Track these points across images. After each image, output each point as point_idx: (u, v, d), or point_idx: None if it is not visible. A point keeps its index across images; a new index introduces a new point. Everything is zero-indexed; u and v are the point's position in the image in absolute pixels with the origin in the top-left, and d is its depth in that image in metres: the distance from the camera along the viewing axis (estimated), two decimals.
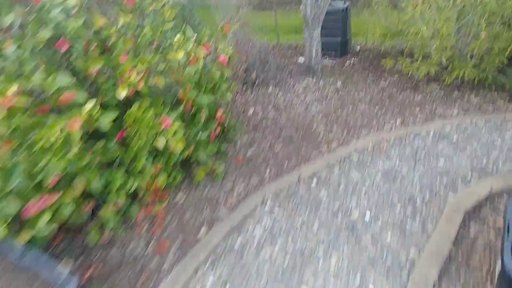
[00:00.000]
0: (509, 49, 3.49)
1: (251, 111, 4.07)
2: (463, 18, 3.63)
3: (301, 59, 5.76)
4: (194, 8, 8.23)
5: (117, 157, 2.25)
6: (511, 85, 3.65)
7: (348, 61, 5.57)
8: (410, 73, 4.18)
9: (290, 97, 4.37)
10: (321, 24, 4.53)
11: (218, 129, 3.04)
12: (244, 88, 4.71)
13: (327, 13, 5.48)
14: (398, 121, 3.56)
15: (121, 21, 2.39)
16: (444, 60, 3.75)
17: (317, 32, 4.52)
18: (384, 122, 3.56)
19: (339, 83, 4.69)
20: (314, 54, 4.65)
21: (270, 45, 7.07)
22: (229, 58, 2.87)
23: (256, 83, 4.78)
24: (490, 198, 2.32)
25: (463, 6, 3.55)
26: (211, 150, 2.76)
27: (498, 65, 3.65)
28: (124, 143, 2.31)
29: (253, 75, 4.83)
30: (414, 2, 3.78)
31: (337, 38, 5.65)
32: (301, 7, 4.23)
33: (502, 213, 2.18)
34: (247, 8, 10.60)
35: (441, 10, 3.53)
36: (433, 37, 3.73)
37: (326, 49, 5.77)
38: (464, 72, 3.73)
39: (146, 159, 2.26)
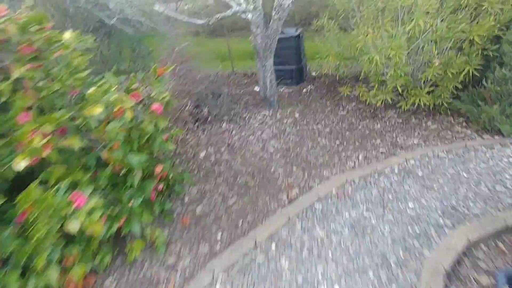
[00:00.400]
0: (462, 75, 3.45)
1: (202, 154, 3.64)
2: (415, 45, 3.56)
3: (257, 88, 5.50)
4: (142, 38, 7.79)
5: (11, 253, 1.71)
6: (466, 110, 3.60)
7: (305, 89, 5.40)
8: (367, 101, 4.04)
9: (246, 134, 4.02)
10: (273, 53, 4.30)
11: (161, 185, 2.59)
12: (196, 126, 4.29)
13: (280, 41, 5.32)
14: (361, 156, 3.33)
15: (16, 73, 1.90)
16: (399, 88, 3.64)
17: (270, 62, 4.28)
18: (346, 159, 3.30)
19: (297, 114, 4.45)
20: (268, 85, 4.39)
21: (225, 73, 6.81)
22: (167, 103, 2.46)
23: (209, 120, 4.40)
24: (468, 251, 2.07)
25: (413, 33, 3.49)
26: (148, 218, 2.27)
27: (452, 91, 3.60)
28: (24, 232, 1.77)
29: (205, 111, 4.44)
30: (365, 30, 3.67)
31: (291, 66, 5.49)
32: (250, 37, 3.98)
33: (483, 271, 1.93)
34: (201, 35, 10.32)
35: (392, 38, 3.43)
36: (387, 65, 3.61)
37: (282, 77, 5.59)
38: (419, 100, 3.64)
39: (52, 252, 1.73)
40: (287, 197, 2.77)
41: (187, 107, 4.40)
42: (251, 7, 3.65)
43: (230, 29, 10.10)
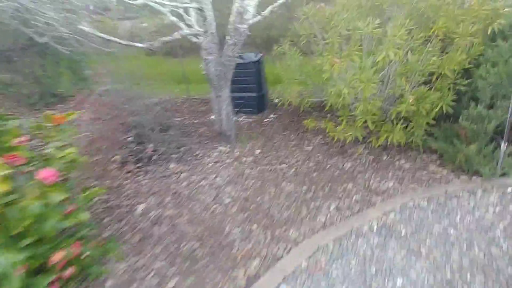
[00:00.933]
0: (435, 111, 3.14)
1: (140, 208, 2.90)
2: (385, 78, 3.22)
3: (214, 117, 4.89)
4: (84, 59, 6.89)
5: None
6: (440, 149, 3.29)
7: (266, 119, 4.90)
8: (335, 138, 3.60)
9: (197, 178, 3.36)
10: (229, 82, 3.75)
11: (70, 270, 1.83)
12: (138, 167, 3.55)
13: (239, 67, 4.81)
14: (332, 206, 2.81)
15: None
16: (370, 124, 3.24)
17: (226, 93, 3.71)
18: (316, 211, 2.77)
19: (257, 151, 3.89)
20: (225, 118, 3.81)
21: (180, 99, 6.14)
22: (72, 162, 1.75)
23: (154, 159, 3.67)
24: None
25: (382, 65, 3.15)
26: None
27: (426, 128, 3.28)
28: None
29: (150, 148, 3.72)
30: (330, 59, 3.26)
31: (252, 93, 4.98)
32: (201, 65, 3.41)
33: None
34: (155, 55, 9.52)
35: (360, 69, 3.05)
36: (356, 99, 3.21)
37: (241, 106, 5.06)
38: (392, 137, 3.27)
39: None
40: (244, 275, 2.13)
41: (126, 144, 3.65)
42: (202, 30, 3.09)
43: (187, 49, 9.52)
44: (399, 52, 2.95)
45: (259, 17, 3.34)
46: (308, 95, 4.26)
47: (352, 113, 3.45)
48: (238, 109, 5.08)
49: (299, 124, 4.61)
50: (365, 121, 3.28)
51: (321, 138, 4.12)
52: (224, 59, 3.40)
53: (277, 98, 5.68)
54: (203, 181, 3.29)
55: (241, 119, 4.96)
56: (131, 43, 3.30)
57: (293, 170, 3.43)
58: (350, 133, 3.40)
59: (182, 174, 3.43)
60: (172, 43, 9.27)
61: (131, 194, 3.10)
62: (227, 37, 3.27)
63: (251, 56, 4.91)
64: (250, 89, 4.97)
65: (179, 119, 5.06)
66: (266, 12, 3.27)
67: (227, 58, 3.39)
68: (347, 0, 3.71)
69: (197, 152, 3.89)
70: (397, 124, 3.28)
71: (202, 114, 5.33)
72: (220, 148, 3.97)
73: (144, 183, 3.30)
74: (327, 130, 3.68)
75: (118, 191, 3.14)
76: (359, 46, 3.35)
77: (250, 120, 4.91)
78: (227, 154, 3.82)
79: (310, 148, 3.93)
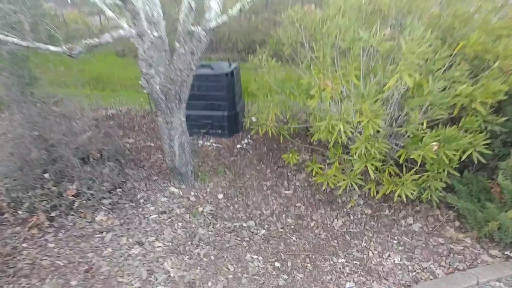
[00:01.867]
0: (459, 157, 2.27)
1: None
2: (393, 110, 2.35)
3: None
4: (25, 59, 5.75)
5: None
6: (463, 209, 2.43)
7: (239, 145, 3.95)
8: (323, 185, 2.69)
9: (128, 241, 2.38)
10: (185, 104, 2.79)
11: None
12: (52, 218, 2.54)
13: (208, 80, 3.87)
14: None
15: None
16: (372, 172, 2.34)
17: (179, 117, 2.75)
18: None
19: (220, 195, 2.94)
20: (178, 151, 2.84)
21: (139, 113, 5.11)
22: None
23: (76, 206, 2.67)
24: None
25: (393, 93, 2.28)
26: None
27: (446, 180, 2.41)
28: None
29: (71, 190, 2.71)
30: (320, 80, 2.36)
31: (222, 112, 4.03)
32: (141, 80, 2.43)
33: None
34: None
35: (362, 98, 2.16)
36: (355, 138, 2.32)
37: (209, 128, 4.10)
38: (399, 190, 2.38)
39: None
40: None
41: (40, 184, 2.64)
42: (134, 31, 2.11)
43: None
44: (416, 75, 2.08)
45: (225, 18, 2.41)
46: (290, 120, 3.35)
47: (347, 153, 2.56)
48: (205, 131, 4.12)
49: (279, 154, 3.69)
50: (366, 168, 2.39)
51: (304, 178, 3.20)
52: (173, 74, 2.44)
53: (255, 115, 4.76)
54: (135, 247, 2.32)
55: (208, 143, 4.00)
56: (38, 44, 2.29)
57: (264, 231, 2.50)
58: (344, 180, 2.50)
59: (108, 234, 2.44)
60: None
61: (23, 271, 2.10)
62: (177, 44, 2.32)
63: (223, 67, 3.96)
64: (221, 106, 4.02)
65: (131, 140, 4.05)
66: (234, 11, 2.35)
67: (178, 72, 2.43)
68: (344, 2, 2.81)
69: (139, 195, 2.90)
70: (406, 172, 2.40)
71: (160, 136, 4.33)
72: (172, 189, 3.00)
73: (50, 249, 2.29)
74: (312, 174, 2.77)
75: (5, 263, 2.13)
76: (360, 63, 2.46)
77: (219, 145, 3.95)
78: (178, 200, 2.86)
79: (289, 192, 3.01)
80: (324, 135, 2.37)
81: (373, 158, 2.30)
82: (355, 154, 2.29)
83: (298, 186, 3.09)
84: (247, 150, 3.82)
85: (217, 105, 4.01)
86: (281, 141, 3.22)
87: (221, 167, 3.43)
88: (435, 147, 2.03)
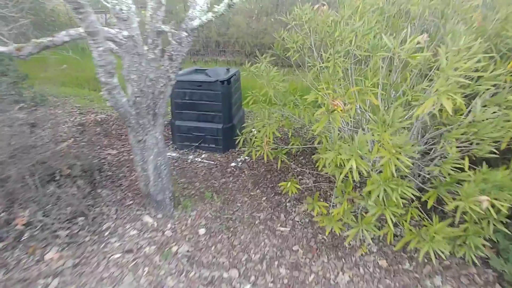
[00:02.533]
0: (505, 208, 1.69)
1: None
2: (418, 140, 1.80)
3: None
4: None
5: None
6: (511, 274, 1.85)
7: (233, 163, 3.44)
8: (327, 229, 2.14)
9: None
10: (161, 119, 2.30)
11: None
12: None
13: (201, 87, 3.38)
14: None
15: None
16: (390, 220, 1.79)
17: (154, 135, 2.26)
18: None
19: (202, 230, 2.43)
20: (152, 176, 2.35)
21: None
22: None
23: (25, 238, 2.20)
24: None
25: (424, 121, 1.74)
26: None
27: (489, 234, 1.84)
28: None
29: (21, 219, 2.25)
30: (329, 102, 1.82)
31: (217, 124, 3.53)
32: (102, 91, 1.95)
33: None
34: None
35: (383, 125, 1.62)
36: (371, 178, 1.77)
37: (202, 141, 3.61)
38: (428, 246, 1.82)
39: None
40: None
41: None
42: (85, 31, 1.62)
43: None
44: (458, 98, 1.52)
45: (210, 16, 1.91)
46: (293, 139, 2.82)
47: (359, 196, 2.01)
48: (197, 145, 3.64)
49: (279, 177, 3.17)
50: (383, 215, 1.84)
51: (306, 210, 2.67)
52: (143, 84, 1.95)
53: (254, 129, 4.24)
54: None
55: (198, 159, 3.50)
56: None
57: (248, 286, 1.97)
58: (354, 228, 1.95)
59: (54, 281, 1.96)
60: None
61: None
62: (144, 48, 1.82)
63: (220, 73, 3.47)
64: (215, 118, 3.53)
65: (114, 152, 3.60)
66: (221, 7, 1.85)
67: (148, 83, 1.94)
68: (362, 2, 2.27)
69: (105, 225, 2.42)
70: (440, 223, 1.84)
71: None
72: (146, 219, 2.51)
73: None
74: (315, 213, 2.23)
75: None
76: (384, 76, 1.93)
77: (211, 162, 3.45)
78: (151, 234, 2.36)
79: (286, 229, 2.48)
80: (331, 170, 1.84)
81: (395, 205, 1.75)
82: (370, 197, 1.74)
83: (298, 222, 2.55)
84: (242, 170, 3.30)
85: (211, 116, 3.52)
86: (279, 166, 2.68)
87: (209, 191, 2.92)
88: (485, 203, 1.46)
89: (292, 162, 3.40)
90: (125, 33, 1.87)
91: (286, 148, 2.67)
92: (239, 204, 2.77)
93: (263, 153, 2.44)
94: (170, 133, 3.89)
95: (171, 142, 3.86)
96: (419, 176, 2.13)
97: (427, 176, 2.05)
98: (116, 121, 4.55)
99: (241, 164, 3.40)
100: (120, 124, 4.45)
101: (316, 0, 3.24)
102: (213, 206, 2.72)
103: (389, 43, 1.67)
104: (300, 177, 3.17)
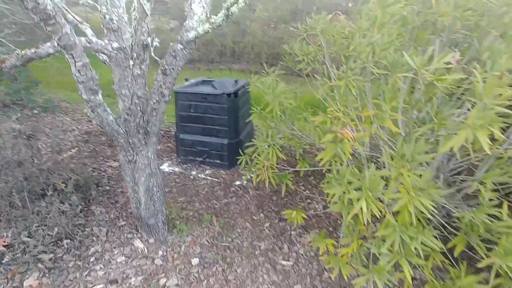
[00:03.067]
0: None
1: None
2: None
3: (166, 166, 3.25)
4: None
5: None
6: None
7: (238, 181, 3.22)
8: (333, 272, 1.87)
9: None
10: (155, 138, 2.12)
11: None
12: None
13: (206, 99, 3.20)
14: None
15: None
16: (409, 274, 1.49)
17: (145, 155, 2.07)
18: None
19: (195, 261, 2.21)
20: (143, 199, 2.16)
21: None
22: None
23: (6, 261, 2.06)
24: None
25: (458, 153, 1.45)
26: None
27: None
28: None
29: (3, 238, 2.11)
30: (338, 130, 1.56)
31: (222, 140, 3.33)
32: (85, 109, 1.78)
33: None
34: None
35: (401, 159, 1.34)
36: (386, 218, 1.49)
37: (207, 156, 3.42)
38: None
39: None
40: None
41: None
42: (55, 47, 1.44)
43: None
44: (496, 131, 1.23)
45: (207, 27, 1.71)
46: (301, 161, 2.57)
47: (372, 234, 1.73)
48: (201, 160, 3.44)
49: (286, 200, 2.91)
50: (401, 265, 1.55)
51: (311, 241, 2.39)
52: (131, 103, 1.76)
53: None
54: None
55: (202, 175, 3.30)
56: None
57: None
58: (363, 276, 1.66)
59: None
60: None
61: None
62: (130, 63, 1.64)
63: (227, 85, 3.27)
64: (220, 132, 3.33)
65: (115, 164, 3.47)
66: (218, 17, 1.64)
67: (135, 100, 1.76)
68: (382, 11, 2.01)
69: (93, 249, 2.25)
70: (464, 272, 1.52)
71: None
72: (137, 243, 2.32)
73: None
74: (319, 252, 1.96)
75: None
76: (406, 99, 1.66)
77: (215, 179, 3.24)
78: (139, 262, 2.16)
79: (289, 263, 2.21)
80: (338, 208, 1.57)
81: (414, 254, 1.46)
82: (384, 245, 1.46)
83: (302, 255, 2.28)
84: (247, 190, 3.07)
85: (216, 130, 3.32)
86: (283, 193, 2.42)
87: (208, 213, 2.71)
88: None
89: (301, 183, 3.13)
90: (115, 44, 1.70)
91: (291, 173, 2.41)
92: (239, 230, 2.53)
93: (265, 179, 2.19)
94: (175, 146, 3.73)
95: (175, 156, 3.70)
96: (443, 216, 1.81)
97: (454, 213, 1.74)
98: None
99: (246, 183, 3.17)
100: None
101: (334, 9, 3.00)
102: (210, 231, 2.50)
103: (412, 62, 1.40)
104: (308, 200, 2.90)
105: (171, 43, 1.85)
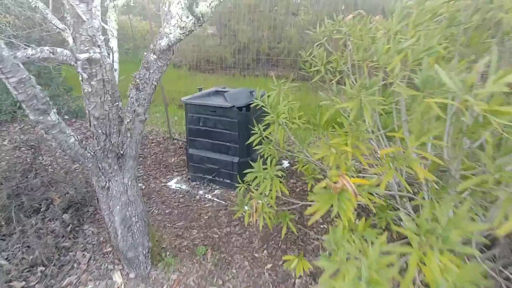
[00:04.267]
0: None
1: None
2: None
3: (173, 183, 2.96)
4: (56, 68, 5.64)
5: None
6: None
7: (247, 206, 2.82)
8: None
9: None
10: (133, 160, 1.83)
11: None
12: None
13: (215, 112, 2.89)
14: None
15: None
16: None
17: (121, 181, 1.79)
18: None
19: None
20: (120, 230, 1.89)
21: (152, 133, 4.42)
22: None
23: None
24: None
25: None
26: None
27: None
28: None
29: None
30: (335, 180, 1.11)
31: (232, 158, 2.98)
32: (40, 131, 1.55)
33: None
34: None
35: (429, 239, 0.86)
36: None
37: (216, 174, 3.09)
38: None
39: None
40: None
41: None
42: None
43: (216, 64, 7.90)
44: None
45: (178, 33, 1.37)
46: (311, 195, 2.10)
47: None
48: (210, 178, 3.13)
49: (296, 235, 2.46)
50: None
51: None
52: (90, 125, 1.49)
53: (287, 160, 3.57)
54: None
55: (208, 196, 2.98)
56: None
57: None
58: None
59: None
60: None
61: None
62: (80, 77, 1.35)
63: (240, 97, 2.91)
64: (230, 150, 2.98)
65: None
66: (189, 20, 1.29)
67: (94, 122, 1.47)
68: (418, 6, 1.50)
69: (68, 279, 2.03)
70: None
71: (163, 173, 3.50)
72: (116, 277, 2.05)
73: None
74: None
75: None
76: (428, 137, 1.14)
77: (222, 202, 2.90)
78: None
79: None
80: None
81: None
82: None
83: None
84: (254, 217, 2.66)
85: (226, 147, 2.98)
86: (283, 235, 1.97)
87: (204, 245, 2.36)
88: None
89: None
90: (83, 55, 1.44)
91: (296, 209, 1.97)
92: (234, 271, 2.14)
93: (260, 219, 1.79)
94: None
95: (186, 171, 3.44)
96: None
97: None
98: (143, 139, 4.34)
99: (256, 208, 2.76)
100: (145, 143, 4.22)
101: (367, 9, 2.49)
102: (201, 269, 2.15)
103: (449, 81, 0.90)
104: (323, 237, 2.40)
105: (145, 53, 1.54)
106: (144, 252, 2.03)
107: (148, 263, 2.07)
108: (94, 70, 1.25)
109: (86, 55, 1.16)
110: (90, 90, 1.31)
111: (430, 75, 1.09)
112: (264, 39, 7.32)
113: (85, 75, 1.25)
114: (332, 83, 1.89)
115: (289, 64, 7.53)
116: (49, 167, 3.12)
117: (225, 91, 3.11)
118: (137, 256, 2.00)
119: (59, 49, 1.59)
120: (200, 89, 3.29)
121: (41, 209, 2.45)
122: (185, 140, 4.21)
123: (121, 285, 1.99)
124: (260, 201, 1.77)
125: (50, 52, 1.54)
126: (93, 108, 1.39)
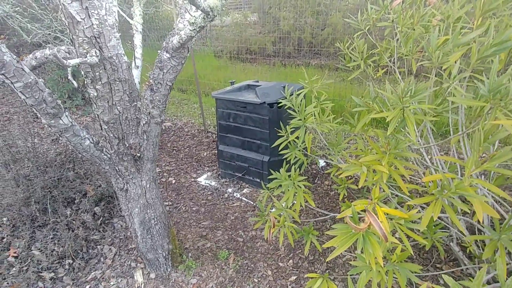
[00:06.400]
0: None
1: None
2: None
3: (203, 180, 2.90)
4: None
5: None
6: None
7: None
8: None
9: None
10: (150, 163, 1.76)
11: None
12: None
13: (245, 109, 2.75)
14: None
15: None
16: None
17: (139, 183, 1.74)
18: None
19: None
20: (139, 232, 1.85)
21: (192, 130, 4.42)
22: None
23: (13, 272, 2.04)
24: None
25: None
26: None
27: None
28: None
29: (15, 248, 2.10)
30: (351, 218, 0.90)
31: (261, 157, 2.82)
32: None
33: None
34: None
35: None
36: None
37: (245, 173, 2.98)
38: None
39: None
40: None
41: None
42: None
43: (262, 53, 7.68)
44: None
45: (188, 30, 1.22)
46: (343, 205, 1.87)
47: None
48: (240, 175, 3.02)
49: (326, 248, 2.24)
50: None
51: None
52: (101, 129, 1.42)
53: (323, 160, 3.31)
54: None
55: (237, 194, 2.88)
56: None
57: None
58: None
59: None
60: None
61: None
62: (86, 82, 1.26)
63: (271, 92, 2.72)
64: (260, 148, 2.82)
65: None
66: (198, 16, 1.13)
67: (104, 126, 1.40)
68: None
69: (93, 274, 2.07)
70: None
71: (194, 167, 3.47)
72: (137, 275, 2.05)
73: None
74: None
75: None
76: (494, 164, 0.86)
77: (251, 202, 2.77)
78: None
79: None
80: None
81: None
82: None
83: None
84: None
85: (256, 145, 2.83)
86: (306, 252, 1.77)
87: (228, 248, 2.27)
88: None
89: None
90: (75, 61, 1.36)
91: (324, 215, 1.76)
92: (256, 280, 2.02)
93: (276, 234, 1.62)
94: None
95: (217, 166, 3.37)
96: None
97: None
98: (178, 130, 4.37)
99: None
100: (180, 136, 4.24)
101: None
102: (222, 275, 2.06)
103: None
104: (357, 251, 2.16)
105: (158, 51, 1.42)
106: (164, 254, 1.98)
107: (168, 265, 2.03)
108: (97, 73, 1.16)
109: (77, 61, 1.06)
110: (95, 94, 1.23)
111: (501, 83, 0.81)
112: (307, 26, 6.91)
113: (88, 79, 1.17)
114: (369, 85, 1.62)
115: (333, 53, 7.07)
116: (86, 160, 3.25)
117: (257, 85, 2.93)
118: (157, 258, 1.97)
119: (62, 47, 1.55)
120: (232, 83, 3.15)
121: (75, 201, 2.54)
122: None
123: (141, 284, 1.98)
124: (282, 213, 1.59)
125: (66, 52, 1.50)
126: (102, 113, 1.31)
